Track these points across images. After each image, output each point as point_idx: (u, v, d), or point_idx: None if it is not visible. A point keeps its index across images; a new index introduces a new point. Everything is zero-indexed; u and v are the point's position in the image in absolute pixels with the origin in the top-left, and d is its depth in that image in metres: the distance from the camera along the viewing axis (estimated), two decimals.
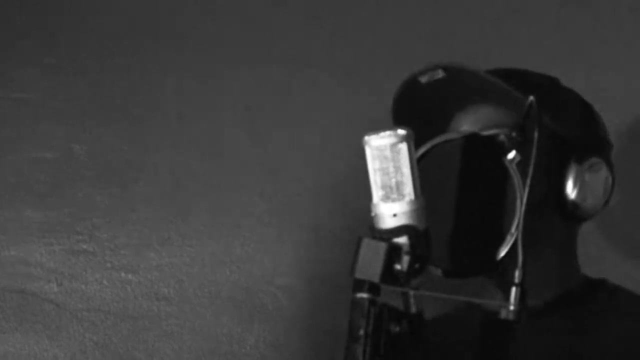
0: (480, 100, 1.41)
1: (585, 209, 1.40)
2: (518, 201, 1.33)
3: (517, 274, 1.28)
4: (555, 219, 1.41)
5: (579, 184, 1.38)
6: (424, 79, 1.38)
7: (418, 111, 1.41)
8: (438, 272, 1.36)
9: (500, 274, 1.33)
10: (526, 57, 1.99)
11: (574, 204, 1.39)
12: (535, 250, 1.38)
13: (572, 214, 1.40)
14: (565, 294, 1.43)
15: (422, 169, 1.25)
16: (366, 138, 1.22)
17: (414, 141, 1.24)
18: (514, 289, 1.27)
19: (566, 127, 1.41)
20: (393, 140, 1.21)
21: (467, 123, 1.43)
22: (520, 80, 1.39)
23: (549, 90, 1.44)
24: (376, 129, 1.24)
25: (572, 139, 1.41)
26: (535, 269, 1.36)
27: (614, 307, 1.44)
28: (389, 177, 1.22)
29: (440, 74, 1.36)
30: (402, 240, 1.21)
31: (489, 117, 1.40)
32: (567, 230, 1.46)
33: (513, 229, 1.32)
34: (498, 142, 1.36)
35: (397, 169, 1.22)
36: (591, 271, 1.50)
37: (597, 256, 1.76)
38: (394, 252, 1.20)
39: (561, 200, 1.38)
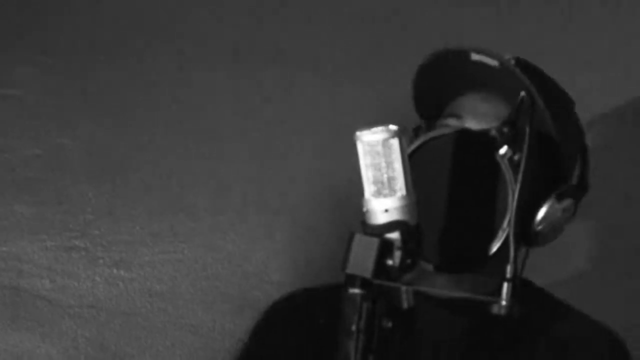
0: (491, 92, 1.42)
1: (539, 240, 1.42)
2: (510, 197, 1.33)
3: (508, 269, 1.28)
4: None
5: (548, 219, 1.39)
6: (476, 57, 1.39)
7: (438, 81, 1.42)
8: (430, 267, 1.36)
9: (492, 269, 1.34)
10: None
11: (535, 233, 1.40)
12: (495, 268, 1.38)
13: (528, 239, 1.41)
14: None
15: (413, 164, 1.26)
16: (358, 134, 1.22)
17: (407, 136, 1.25)
18: (505, 284, 1.28)
19: (567, 159, 1.43)
20: (385, 135, 1.21)
21: (470, 110, 1.44)
22: (544, 84, 1.39)
23: (565, 116, 1.45)
24: (368, 124, 1.24)
25: (565, 173, 1.43)
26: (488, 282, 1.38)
27: (539, 308, 1.46)
28: (381, 172, 1.22)
29: (494, 63, 1.37)
30: (394, 235, 1.21)
31: (500, 110, 1.41)
32: (523, 252, 1.46)
33: (505, 225, 1.33)
34: (490, 137, 1.37)
35: (389, 164, 1.22)
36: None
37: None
38: (385, 248, 1.20)
39: (526, 226, 1.39)
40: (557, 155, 1.41)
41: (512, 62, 1.39)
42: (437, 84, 1.46)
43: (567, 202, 1.41)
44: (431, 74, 1.46)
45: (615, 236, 2.01)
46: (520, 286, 1.46)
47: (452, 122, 1.43)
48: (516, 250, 1.30)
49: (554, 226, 1.41)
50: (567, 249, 1.93)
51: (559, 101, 1.44)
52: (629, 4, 2.07)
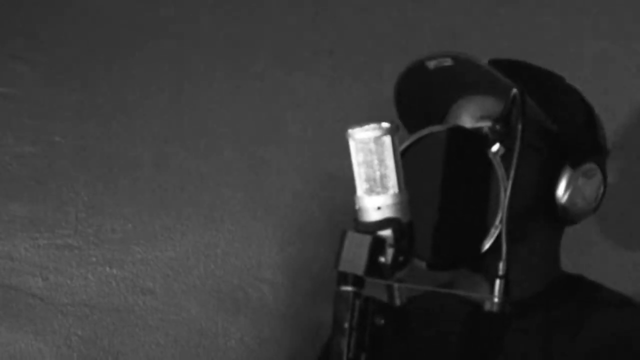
0: (483, 92, 1.41)
1: (574, 214, 1.40)
2: (502, 194, 1.33)
3: (501, 266, 1.28)
4: (542, 219, 1.41)
5: (571, 188, 1.38)
6: (431, 64, 1.38)
7: (421, 95, 1.42)
8: (422, 264, 1.36)
9: (485, 266, 1.33)
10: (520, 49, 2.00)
11: (563, 208, 1.39)
12: (519, 249, 1.38)
13: (560, 217, 1.40)
14: (545, 291, 1.44)
15: (406, 161, 1.25)
16: (350, 131, 1.22)
17: (399, 134, 1.24)
18: (498, 282, 1.28)
19: (565, 128, 1.41)
20: (377, 133, 1.21)
21: (467, 112, 1.43)
22: (525, 75, 1.39)
23: (553, 88, 1.44)
24: (360, 122, 1.24)
25: (570, 141, 1.41)
26: (518, 266, 1.36)
27: (591, 305, 1.44)
28: (373, 170, 1.22)
29: (448, 61, 1.36)
30: (386, 233, 1.21)
31: (489, 109, 1.40)
32: (553, 232, 1.47)
33: (497, 222, 1.33)
34: (482, 134, 1.36)
35: (381, 162, 1.22)
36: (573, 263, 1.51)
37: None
38: (378, 245, 1.20)
39: (551, 202, 1.38)
40: (559, 132, 1.40)
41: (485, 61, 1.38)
42: (415, 103, 1.46)
43: (587, 167, 1.39)
44: (405, 95, 1.46)
45: None
46: (565, 279, 1.47)
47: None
48: (509, 247, 1.30)
49: (582, 195, 1.39)
50: None
51: (542, 83, 1.42)
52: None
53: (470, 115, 1.43)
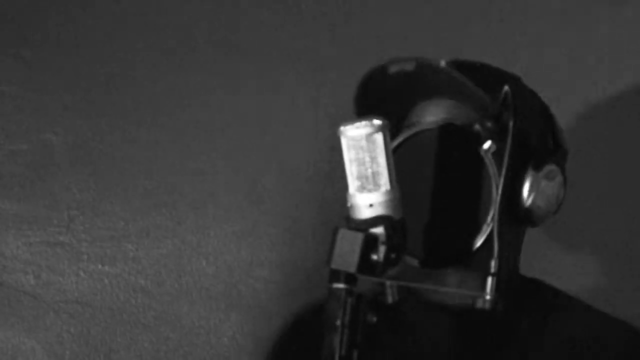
0: (444, 96, 1.41)
1: (537, 216, 1.39)
2: (494, 191, 1.33)
3: (493, 263, 1.29)
4: (506, 222, 1.38)
5: (535, 191, 1.37)
6: (392, 69, 1.37)
7: (380, 100, 1.40)
8: (414, 262, 1.36)
9: (476, 264, 1.34)
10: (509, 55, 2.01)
11: (527, 210, 1.37)
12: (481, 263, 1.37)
13: (523, 220, 1.39)
14: (506, 296, 1.43)
15: (398, 159, 1.25)
16: (342, 128, 1.22)
17: (390, 131, 1.24)
18: (489, 279, 1.28)
19: (527, 130, 1.40)
20: (369, 130, 1.21)
21: (430, 114, 1.42)
22: (484, 76, 1.38)
23: (512, 89, 1.43)
24: (352, 119, 1.24)
25: (532, 143, 1.40)
26: (473, 277, 1.37)
27: (552, 310, 1.45)
28: (365, 167, 1.22)
29: (410, 66, 1.35)
30: (379, 230, 1.21)
31: (451, 111, 1.40)
32: (516, 235, 1.45)
33: (489, 219, 1.33)
34: (473, 132, 1.36)
35: (373, 159, 1.22)
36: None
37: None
38: (370, 243, 1.20)
39: (515, 204, 1.37)
40: (521, 134, 1.39)
41: (443, 63, 1.37)
42: (374, 106, 1.42)
43: (548, 168, 1.38)
44: (364, 99, 1.43)
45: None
46: (524, 283, 1.47)
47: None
48: (501, 244, 1.30)
49: (546, 197, 1.38)
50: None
51: (500, 83, 1.41)
52: None
53: (432, 117, 1.42)
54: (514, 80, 1.44)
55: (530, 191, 1.37)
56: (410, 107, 1.44)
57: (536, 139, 1.41)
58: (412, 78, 1.36)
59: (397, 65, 1.36)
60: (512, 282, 1.43)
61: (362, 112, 1.43)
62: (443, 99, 1.41)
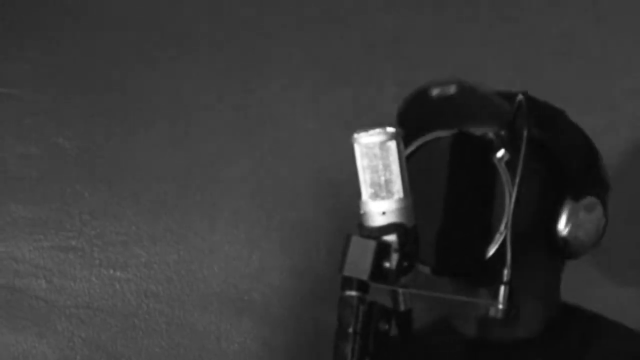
0: (486, 124, 1.41)
1: (575, 248, 1.38)
2: (507, 199, 1.33)
3: (505, 272, 1.28)
4: (543, 252, 1.39)
5: (572, 221, 1.36)
6: (435, 92, 1.37)
7: (423, 123, 1.40)
8: (426, 270, 1.35)
9: (489, 272, 1.33)
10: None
11: (564, 240, 1.37)
12: (520, 283, 1.37)
13: (561, 250, 1.38)
14: (547, 326, 1.43)
15: (411, 166, 1.25)
16: (355, 136, 1.22)
17: (404, 139, 1.24)
18: (502, 288, 1.27)
19: (569, 162, 1.40)
20: (382, 138, 1.21)
21: None
22: (529, 108, 1.38)
23: (556, 122, 1.43)
24: (366, 127, 1.24)
25: (572, 174, 1.40)
26: (520, 302, 1.36)
27: (592, 336, 1.44)
28: (378, 175, 1.22)
29: (452, 89, 1.35)
30: (391, 238, 1.21)
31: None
32: (554, 265, 1.45)
33: (502, 228, 1.32)
34: (487, 140, 1.36)
35: (386, 166, 1.22)
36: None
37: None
38: (382, 250, 1.20)
39: (552, 235, 1.37)
40: (561, 164, 1.40)
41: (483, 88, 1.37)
42: (413, 131, 1.41)
43: (588, 200, 1.38)
44: (408, 117, 1.41)
45: None
46: (564, 310, 1.46)
47: None
48: (513, 253, 1.29)
49: (584, 230, 1.37)
50: None
51: (544, 115, 1.42)
52: None
53: None
54: (559, 114, 1.44)
55: (567, 221, 1.36)
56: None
57: (576, 171, 1.40)
58: (454, 102, 1.36)
59: (438, 89, 1.35)
60: (551, 312, 1.43)
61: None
62: (483, 127, 1.40)
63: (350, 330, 1.18)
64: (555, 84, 1.83)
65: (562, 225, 1.36)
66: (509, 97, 1.38)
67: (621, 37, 2.03)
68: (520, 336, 1.39)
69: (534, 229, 1.36)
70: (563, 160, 1.39)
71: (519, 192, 1.31)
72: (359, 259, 1.19)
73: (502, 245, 1.31)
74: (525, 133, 1.32)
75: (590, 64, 2.03)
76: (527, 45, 2.05)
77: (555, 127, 1.41)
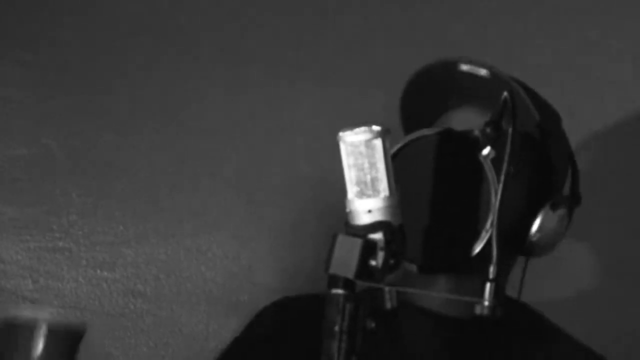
0: (480, 106, 1.42)
1: (537, 250, 1.41)
2: (492, 197, 1.33)
3: (491, 269, 1.28)
4: (510, 249, 1.40)
5: (544, 230, 1.38)
6: (465, 67, 1.38)
7: (423, 97, 1.41)
8: (413, 268, 1.36)
9: (475, 270, 1.34)
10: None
11: (531, 243, 1.39)
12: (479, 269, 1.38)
13: (525, 250, 1.41)
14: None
15: (397, 164, 1.26)
16: (341, 134, 1.22)
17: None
18: (488, 285, 1.28)
19: (556, 169, 1.42)
20: (368, 136, 1.21)
21: (456, 124, 1.43)
22: (536, 102, 1.39)
23: (556, 123, 1.45)
24: (352, 125, 1.24)
25: (557, 183, 1.42)
26: (471, 283, 1.37)
27: (538, 335, 1.47)
28: (364, 173, 1.22)
29: (484, 72, 1.36)
30: (377, 236, 1.21)
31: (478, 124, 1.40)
32: (512, 260, 1.47)
33: (488, 225, 1.33)
34: (473, 138, 1.36)
35: (372, 165, 1.22)
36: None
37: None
38: (369, 248, 1.20)
39: (522, 235, 1.38)
40: (548, 165, 1.41)
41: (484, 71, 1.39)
42: (426, 100, 1.46)
43: (562, 212, 1.40)
44: (419, 90, 1.45)
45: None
46: (516, 307, 1.47)
47: None
48: (500, 250, 1.30)
49: (550, 236, 1.40)
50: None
51: (547, 111, 1.44)
52: None
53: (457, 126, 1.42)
54: (555, 117, 1.45)
55: (541, 227, 1.38)
56: (442, 112, 1.46)
57: (561, 181, 1.44)
58: (486, 84, 1.38)
59: (470, 65, 1.37)
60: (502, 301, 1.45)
61: (404, 104, 1.47)
62: (477, 108, 1.41)
63: (337, 328, 1.18)
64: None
65: (534, 230, 1.38)
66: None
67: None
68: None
69: (511, 226, 1.37)
70: (554, 161, 1.40)
71: (504, 190, 1.31)
72: (345, 257, 1.19)
73: (488, 243, 1.32)
74: (510, 130, 1.32)
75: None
76: (519, 42, 2.05)
77: (556, 128, 1.42)
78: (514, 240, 1.38)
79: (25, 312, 1.27)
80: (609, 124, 2.05)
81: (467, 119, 1.44)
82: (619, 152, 2.06)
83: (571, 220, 1.44)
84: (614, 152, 2.06)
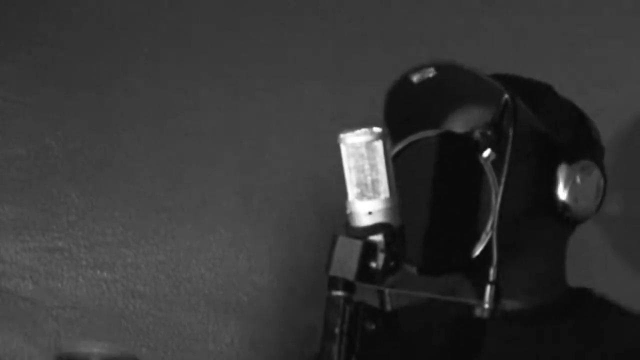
0: (472, 100, 1.41)
1: (577, 212, 1.38)
2: (493, 199, 1.33)
3: (491, 272, 1.28)
4: (546, 222, 1.39)
5: (570, 185, 1.36)
6: (415, 78, 1.37)
7: (409, 111, 1.40)
8: (413, 270, 1.35)
9: (476, 272, 1.33)
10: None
11: (564, 205, 1.37)
12: (524, 256, 1.38)
13: (563, 216, 1.38)
14: (549, 303, 1.43)
15: (397, 166, 1.25)
16: (342, 136, 1.22)
17: (391, 139, 1.24)
18: (488, 288, 1.27)
19: (558, 130, 1.40)
20: (368, 138, 1.21)
21: (459, 123, 1.42)
22: (512, 83, 1.38)
23: (542, 95, 1.43)
24: (352, 127, 1.24)
25: (563, 141, 1.40)
26: (523, 274, 1.38)
27: (599, 319, 1.44)
28: (364, 175, 1.22)
29: (431, 72, 1.36)
30: (378, 238, 1.21)
31: (481, 117, 1.40)
32: (558, 235, 1.45)
33: (488, 228, 1.32)
34: (473, 140, 1.36)
35: (373, 166, 1.22)
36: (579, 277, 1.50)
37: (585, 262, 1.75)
38: (369, 250, 1.20)
39: (552, 202, 1.37)
40: (551, 138, 1.40)
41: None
42: (405, 119, 1.43)
43: (583, 163, 1.38)
44: (395, 109, 1.43)
45: None
46: (572, 296, 1.46)
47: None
48: (499, 253, 1.29)
49: (582, 191, 1.38)
50: None
51: (531, 92, 1.42)
52: None
53: (464, 124, 1.42)
54: (545, 88, 1.45)
55: (564, 186, 1.37)
56: (441, 116, 1.45)
57: (567, 139, 1.40)
58: (436, 85, 1.36)
59: (418, 74, 1.36)
60: (558, 292, 1.44)
61: (392, 127, 1.41)
62: (470, 105, 1.41)
63: (337, 330, 1.18)
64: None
65: (561, 190, 1.37)
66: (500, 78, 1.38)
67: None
68: (519, 307, 1.40)
69: (533, 201, 1.36)
70: (553, 135, 1.39)
71: (505, 192, 1.31)
72: (346, 259, 1.19)
73: (489, 245, 1.31)
74: (511, 133, 1.32)
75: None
76: (518, 42, 2.05)
77: (542, 105, 1.41)
78: (548, 213, 1.37)
79: (80, 348, 1.27)
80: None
81: (462, 120, 1.43)
82: None
83: (603, 171, 1.42)
84: None
